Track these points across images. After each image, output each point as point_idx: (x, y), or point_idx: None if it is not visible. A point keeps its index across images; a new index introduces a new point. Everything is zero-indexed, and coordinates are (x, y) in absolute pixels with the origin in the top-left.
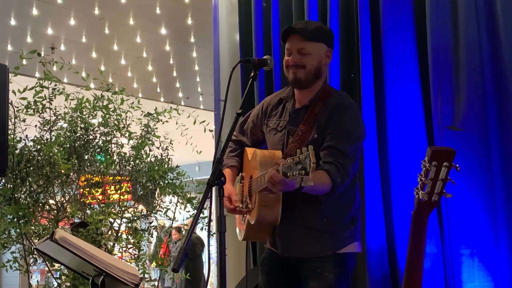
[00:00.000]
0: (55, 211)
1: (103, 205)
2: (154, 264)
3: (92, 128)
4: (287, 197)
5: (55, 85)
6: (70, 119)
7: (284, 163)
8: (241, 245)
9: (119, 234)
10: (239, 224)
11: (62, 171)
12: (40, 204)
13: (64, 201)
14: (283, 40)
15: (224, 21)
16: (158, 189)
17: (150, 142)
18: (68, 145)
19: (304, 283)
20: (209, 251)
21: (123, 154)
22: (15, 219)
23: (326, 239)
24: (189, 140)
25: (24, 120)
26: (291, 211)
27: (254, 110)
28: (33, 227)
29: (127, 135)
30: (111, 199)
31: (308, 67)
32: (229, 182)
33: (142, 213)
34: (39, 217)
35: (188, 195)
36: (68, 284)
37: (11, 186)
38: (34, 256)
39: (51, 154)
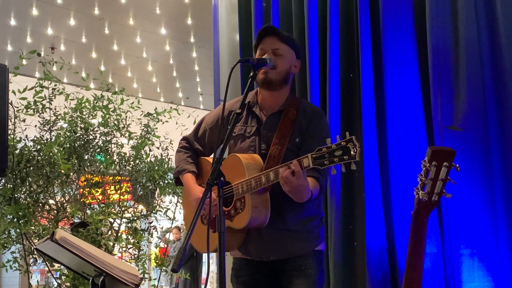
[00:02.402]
0: (55, 211)
1: (103, 205)
2: (153, 264)
3: (92, 128)
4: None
5: (55, 85)
6: (70, 119)
7: (313, 153)
8: None
9: (119, 234)
10: (200, 237)
11: (62, 171)
12: (40, 204)
13: (64, 201)
14: (259, 40)
15: (224, 21)
16: (158, 189)
17: (150, 142)
18: (68, 145)
19: (288, 283)
20: (209, 250)
21: (123, 154)
22: (15, 219)
23: (305, 237)
24: None
25: (24, 120)
26: (272, 215)
27: (211, 118)
28: (33, 227)
29: (127, 135)
30: (111, 199)
31: (279, 69)
32: (197, 185)
33: (142, 213)
34: (39, 217)
35: None
36: (68, 284)
37: (11, 186)
38: (34, 256)
39: (51, 154)
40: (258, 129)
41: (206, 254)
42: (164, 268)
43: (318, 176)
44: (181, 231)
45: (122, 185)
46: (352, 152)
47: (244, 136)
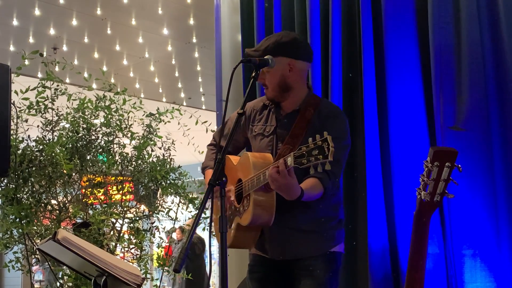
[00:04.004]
0: (57, 211)
1: (105, 205)
2: (156, 264)
3: (94, 128)
4: (277, 200)
5: (57, 85)
6: (72, 119)
7: (295, 152)
8: None
9: (121, 234)
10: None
11: (64, 171)
12: (42, 204)
13: (66, 201)
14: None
15: (226, 21)
16: (160, 190)
17: (152, 142)
18: (70, 145)
19: (297, 283)
20: (210, 251)
21: (125, 154)
22: (17, 219)
23: (317, 239)
24: (191, 141)
25: (26, 121)
26: (281, 214)
27: (234, 115)
28: (35, 227)
29: (129, 135)
30: (113, 199)
31: (271, 86)
32: None
33: (144, 214)
34: (41, 217)
35: (190, 196)
36: (70, 284)
37: (14, 186)
38: (36, 256)
39: (53, 154)
40: (276, 128)
41: (209, 254)
42: (166, 268)
43: (322, 177)
44: (184, 231)
45: (124, 185)
46: (326, 152)
47: (263, 135)
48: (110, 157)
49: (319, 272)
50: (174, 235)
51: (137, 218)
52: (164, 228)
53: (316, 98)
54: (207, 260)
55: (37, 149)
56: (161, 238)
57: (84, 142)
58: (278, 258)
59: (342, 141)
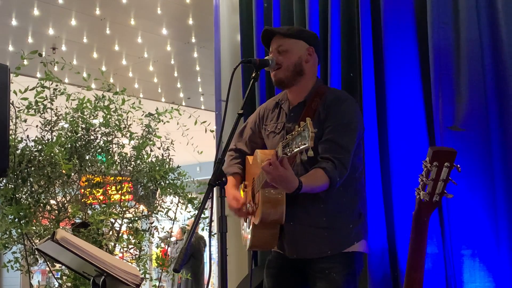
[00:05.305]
0: (56, 212)
1: (104, 205)
2: (154, 264)
3: (93, 128)
4: (291, 196)
5: (56, 85)
6: (71, 119)
7: (283, 141)
8: (242, 246)
9: (120, 235)
10: (245, 234)
11: (63, 171)
12: (41, 205)
13: (65, 202)
14: (267, 46)
15: (225, 21)
16: (159, 190)
17: (151, 142)
18: (69, 145)
19: (311, 284)
20: (210, 251)
21: (124, 155)
22: (16, 220)
23: (333, 237)
24: (190, 141)
25: (25, 121)
26: (296, 210)
27: (251, 118)
28: (34, 228)
29: (128, 135)
30: (112, 199)
31: (285, 65)
32: (233, 187)
33: (143, 214)
34: (40, 218)
35: (189, 196)
36: (69, 284)
37: (12, 186)
38: (35, 256)
39: (52, 154)
40: (285, 124)
41: (208, 255)
42: (165, 268)
43: (327, 166)
44: (184, 232)
45: (123, 185)
46: (306, 138)
47: (274, 132)
48: (109, 157)
49: (334, 276)
50: (173, 239)
51: (136, 218)
52: (163, 228)
53: (323, 87)
54: (205, 260)
55: (36, 149)
56: (160, 240)
57: (83, 142)
58: (292, 257)
59: (347, 126)
